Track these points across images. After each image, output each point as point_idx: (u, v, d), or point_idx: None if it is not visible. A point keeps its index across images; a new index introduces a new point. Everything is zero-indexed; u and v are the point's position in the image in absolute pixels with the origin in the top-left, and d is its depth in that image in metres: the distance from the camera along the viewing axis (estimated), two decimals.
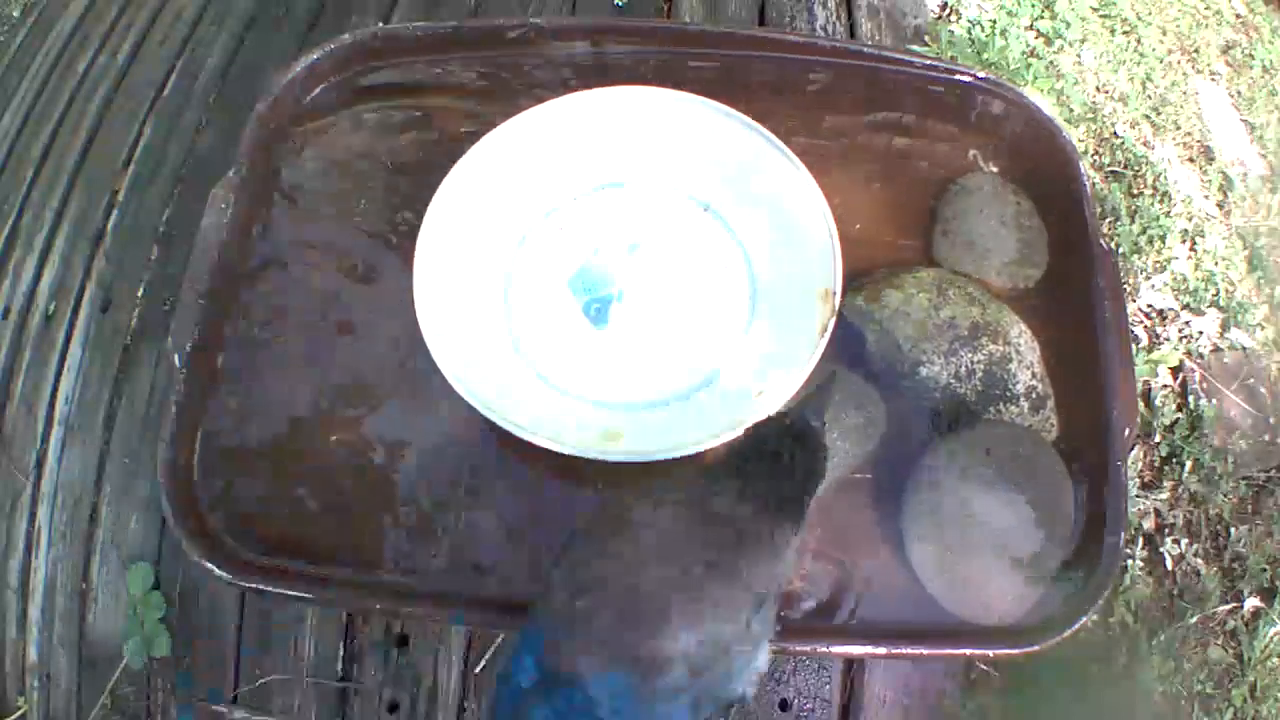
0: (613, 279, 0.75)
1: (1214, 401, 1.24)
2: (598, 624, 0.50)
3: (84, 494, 1.03)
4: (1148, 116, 1.44)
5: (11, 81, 1.33)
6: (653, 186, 0.78)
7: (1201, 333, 1.28)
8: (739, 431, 0.65)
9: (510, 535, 0.69)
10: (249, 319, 0.76)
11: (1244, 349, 1.28)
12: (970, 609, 0.68)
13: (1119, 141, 1.40)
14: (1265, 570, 1.17)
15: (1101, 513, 0.68)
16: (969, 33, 1.40)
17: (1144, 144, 1.41)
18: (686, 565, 0.50)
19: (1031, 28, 1.46)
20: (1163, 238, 1.33)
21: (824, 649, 0.65)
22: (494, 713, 0.55)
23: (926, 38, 1.35)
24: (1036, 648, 0.63)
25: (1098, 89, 1.45)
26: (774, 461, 0.53)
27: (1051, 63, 1.43)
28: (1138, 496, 1.19)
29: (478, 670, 0.92)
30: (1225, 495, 1.20)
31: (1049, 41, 1.46)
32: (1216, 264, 1.33)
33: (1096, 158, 1.39)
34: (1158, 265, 1.31)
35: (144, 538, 1.00)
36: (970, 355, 0.73)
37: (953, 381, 0.72)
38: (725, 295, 0.74)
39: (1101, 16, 1.52)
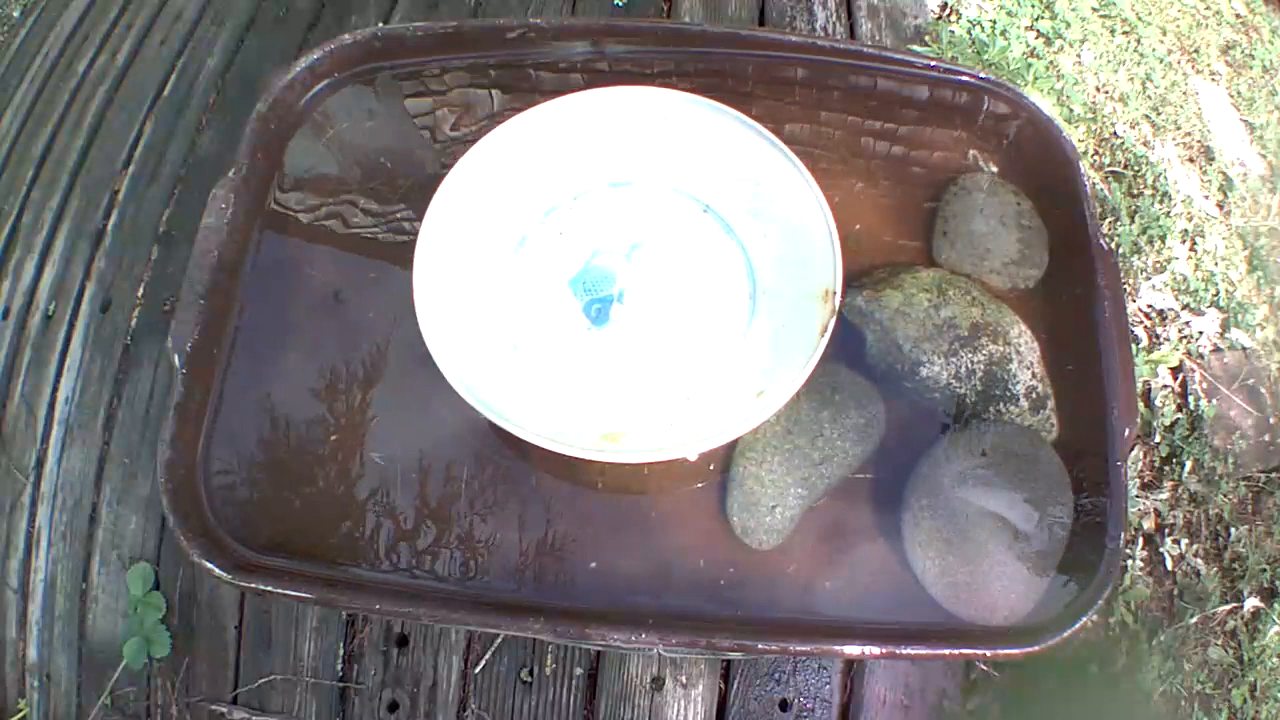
0: (614, 279, 0.75)
1: (1214, 402, 1.24)
2: None
3: (84, 494, 1.03)
4: (1148, 116, 1.44)
5: (11, 81, 1.34)
6: (653, 187, 0.78)
7: (1201, 333, 1.28)
8: (739, 431, 0.66)
9: (510, 535, 0.69)
10: (249, 319, 0.76)
11: (1244, 349, 1.28)
12: (970, 609, 0.68)
13: (1119, 141, 1.40)
14: (1265, 570, 1.17)
15: (1101, 513, 0.67)
16: (969, 33, 1.40)
17: (1144, 144, 1.41)
18: None
19: (1031, 28, 1.46)
20: (1163, 238, 1.32)
21: (824, 649, 0.65)
22: None
23: (926, 38, 1.35)
24: (1036, 648, 0.63)
25: (1098, 89, 1.45)
26: None
27: (1051, 63, 1.43)
28: (1138, 496, 1.19)
29: (478, 670, 0.92)
30: (1225, 495, 1.20)
31: (1049, 42, 1.45)
32: (1216, 264, 1.33)
33: (1096, 158, 1.38)
34: (1158, 265, 1.31)
35: (144, 538, 1.00)
36: (970, 355, 0.73)
37: (953, 381, 0.72)
38: (726, 295, 0.74)
39: (1101, 16, 1.52)
